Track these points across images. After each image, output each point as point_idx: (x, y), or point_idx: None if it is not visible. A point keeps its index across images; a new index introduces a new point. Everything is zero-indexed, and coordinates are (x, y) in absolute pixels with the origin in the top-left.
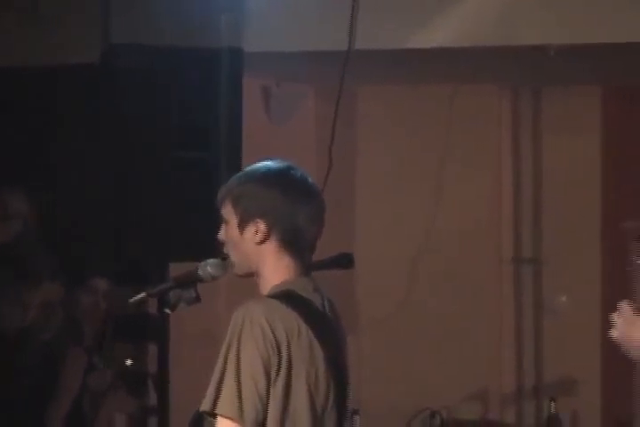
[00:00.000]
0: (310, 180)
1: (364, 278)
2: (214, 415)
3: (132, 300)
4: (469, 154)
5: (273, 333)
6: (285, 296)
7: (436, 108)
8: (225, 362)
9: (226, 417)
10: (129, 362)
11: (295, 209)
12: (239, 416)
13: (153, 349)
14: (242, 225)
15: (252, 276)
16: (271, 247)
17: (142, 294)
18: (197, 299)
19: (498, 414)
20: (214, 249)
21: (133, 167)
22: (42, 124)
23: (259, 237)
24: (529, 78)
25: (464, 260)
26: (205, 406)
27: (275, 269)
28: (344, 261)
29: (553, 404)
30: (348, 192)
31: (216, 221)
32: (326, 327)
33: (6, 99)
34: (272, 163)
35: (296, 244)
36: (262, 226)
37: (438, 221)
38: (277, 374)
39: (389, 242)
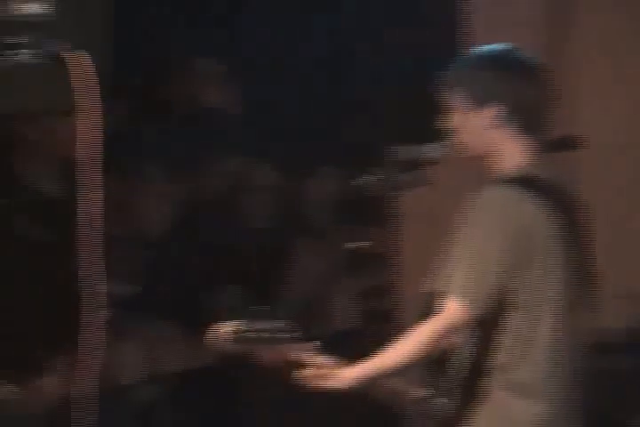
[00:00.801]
0: (536, 60)
1: (586, 164)
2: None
3: (359, 182)
4: None
5: (516, 218)
6: (525, 180)
7: None
8: (464, 244)
9: (455, 296)
10: (358, 244)
11: (528, 90)
12: (469, 296)
13: (380, 231)
14: (475, 110)
15: (480, 159)
16: (505, 130)
17: (369, 177)
18: (423, 181)
19: None
20: (437, 132)
21: (345, 52)
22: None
23: (494, 121)
24: None
25: None
26: (437, 284)
27: (509, 152)
28: (568, 143)
29: None
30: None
31: (435, 105)
32: (566, 209)
33: None
34: (494, 46)
35: (531, 125)
36: (497, 109)
37: None
38: (526, 258)
39: (617, 125)
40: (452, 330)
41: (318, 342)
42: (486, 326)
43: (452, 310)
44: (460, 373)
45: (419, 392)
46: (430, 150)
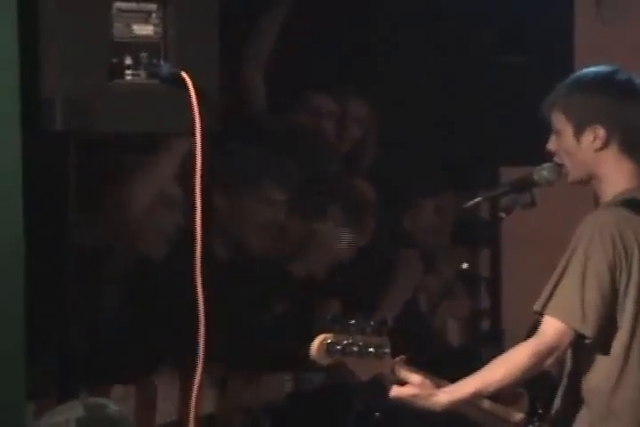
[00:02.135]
0: (639, 81)
1: None
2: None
3: (467, 204)
4: None
5: (623, 243)
6: (633, 204)
7: None
8: (567, 266)
9: (553, 317)
10: (465, 265)
11: (630, 111)
12: (570, 319)
13: (485, 252)
14: (578, 133)
15: (586, 183)
16: (611, 153)
17: (478, 199)
18: (533, 203)
19: None
20: (543, 154)
21: (456, 72)
22: (367, 27)
23: (597, 143)
24: None
25: None
26: (537, 306)
27: (615, 175)
28: None
29: None
30: None
31: (543, 127)
32: None
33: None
34: (596, 68)
35: (636, 147)
36: (601, 132)
37: None
38: (628, 283)
39: None
40: (551, 353)
41: (403, 357)
42: (584, 350)
43: (552, 332)
44: (557, 398)
45: (517, 417)
46: (543, 173)
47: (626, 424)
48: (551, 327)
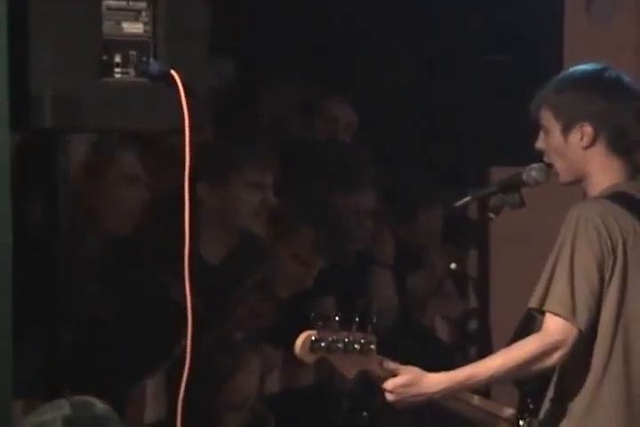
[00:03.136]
0: (627, 79)
1: None
2: (542, 312)
3: (456, 204)
4: None
5: (608, 233)
6: (618, 197)
7: None
8: (557, 260)
9: (555, 314)
10: (453, 266)
11: (618, 109)
12: (570, 314)
13: (474, 253)
14: (565, 131)
15: (577, 183)
16: (598, 151)
17: (467, 198)
18: (522, 203)
19: None
20: (533, 154)
21: (445, 71)
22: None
23: (585, 141)
24: None
25: None
26: (533, 302)
27: (603, 172)
28: None
29: None
30: None
31: (532, 127)
32: None
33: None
34: (586, 66)
35: (624, 144)
36: (588, 130)
37: None
38: (612, 275)
39: None
40: (556, 349)
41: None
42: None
43: (555, 327)
44: (544, 394)
45: (507, 412)
46: (532, 173)
47: (611, 419)
48: (554, 323)
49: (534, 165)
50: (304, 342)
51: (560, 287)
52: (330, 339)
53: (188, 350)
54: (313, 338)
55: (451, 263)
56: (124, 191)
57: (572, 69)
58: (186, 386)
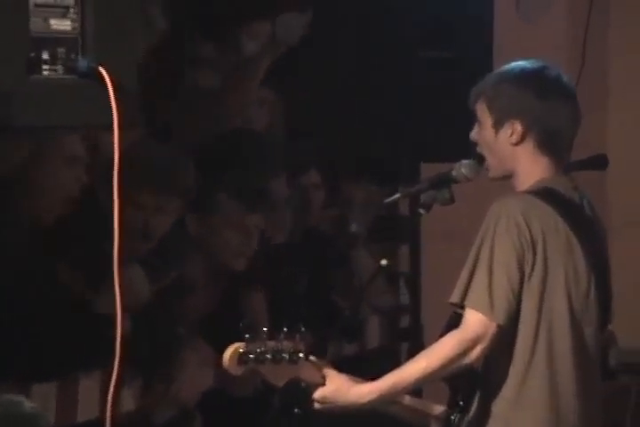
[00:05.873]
0: (566, 79)
1: (616, 180)
2: (463, 307)
3: (386, 200)
4: None
5: (529, 228)
6: (543, 192)
7: None
8: (477, 255)
9: (474, 309)
10: (384, 262)
11: (552, 109)
12: (489, 309)
13: (404, 248)
14: (497, 126)
15: (507, 179)
16: (528, 148)
17: (397, 195)
18: (452, 200)
19: None
20: (465, 151)
21: (377, 67)
22: None
23: (514, 138)
24: None
25: None
26: (455, 297)
27: (531, 169)
28: (598, 162)
29: None
30: (601, 91)
31: (466, 123)
32: (586, 225)
33: None
34: (526, 63)
35: (554, 144)
36: (518, 127)
37: None
38: (532, 271)
39: None
40: (475, 344)
41: (314, 358)
42: (501, 342)
43: (474, 323)
44: (474, 390)
45: (438, 410)
46: (462, 169)
47: (537, 413)
48: (473, 318)
49: (464, 162)
50: (232, 355)
51: (480, 283)
52: (258, 350)
53: (118, 347)
54: (241, 350)
55: (382, 260)
56: (63, 174)
57: (513, 64)
58: (115, 384)
